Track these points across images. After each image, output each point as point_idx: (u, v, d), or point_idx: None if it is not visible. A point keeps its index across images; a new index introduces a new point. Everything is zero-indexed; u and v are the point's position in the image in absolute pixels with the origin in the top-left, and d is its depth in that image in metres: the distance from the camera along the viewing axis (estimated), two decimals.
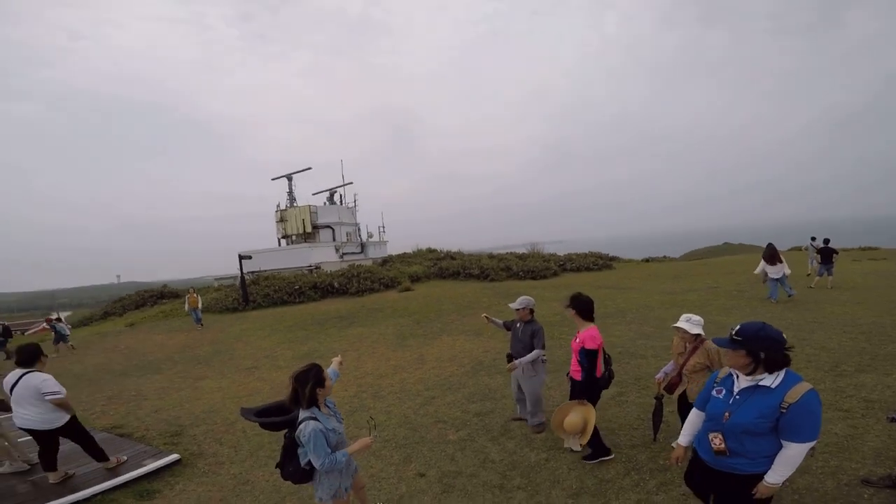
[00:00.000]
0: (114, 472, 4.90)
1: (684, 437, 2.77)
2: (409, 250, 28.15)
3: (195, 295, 15.34)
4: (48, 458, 4.82)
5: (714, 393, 2.54)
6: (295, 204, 26.04)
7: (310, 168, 26.99)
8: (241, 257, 18.47)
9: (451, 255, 24.73)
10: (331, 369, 3.45)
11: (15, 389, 4.59)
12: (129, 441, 5.95)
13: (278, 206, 26.18)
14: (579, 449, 4.30)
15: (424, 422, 5.72)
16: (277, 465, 3.00)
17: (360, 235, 28.21)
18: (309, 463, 2.82)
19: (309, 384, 2.79)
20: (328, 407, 2.98)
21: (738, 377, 2.44)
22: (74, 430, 4.87)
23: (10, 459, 5.12)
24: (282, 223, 25.60)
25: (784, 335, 2.34)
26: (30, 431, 4.73)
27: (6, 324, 16.13)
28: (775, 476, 2.29)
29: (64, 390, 4.74)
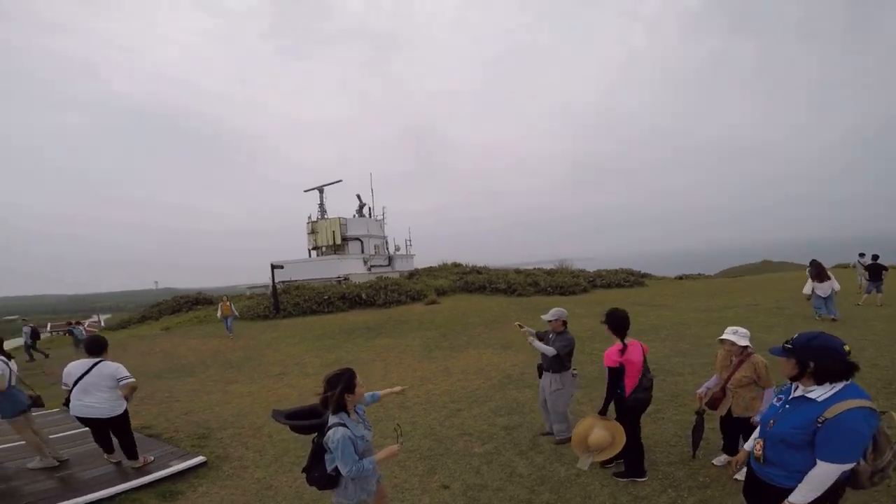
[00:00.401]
0: (140, 471, 4.95)
1: (749, 443, 2.66)
2: (434, 264, 28.22)
3: (228, 303, 15.73)
4: (106, 442, 5.06)
5: (774, 400, 2.46)
6: (325, 216, 26.55)
7: (340, 180, 27.56)
8: (273, 267, 18.86)
9: (476, 270, 24.63)
10: (374, 393, 3.34)
11: (86, 377, 4.73)
12: (157, 441, 6.04)
13: (310, 217, 26.77)
14: (586, 468, 4.00)
15: (450, 434, 5.60)
16: (304, 470, 2.94)
17: (387, 248, 28.43)
18: (336, 469, 2.75)
19: (339, 388, 2.73)
20: (357, 414, 2.91)
21: (796, 387, 2.32)
22: (124, 421, 4.99)
23: (41, 455, 5.21)
24: (313, 235, 26.08)
25: (845, 346, 2.17)
26: (89, 421, 4.86)
27: (34, 326, 16.99)
28: (798, 495, 2.12)
29: None
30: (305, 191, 27.72)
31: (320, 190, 27.05)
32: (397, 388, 3.55)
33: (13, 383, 5.13)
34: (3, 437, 6.03)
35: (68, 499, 4.32)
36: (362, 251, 25.90)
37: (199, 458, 5.27)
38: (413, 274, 24.88)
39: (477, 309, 15.67)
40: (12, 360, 5.25)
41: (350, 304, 18.18)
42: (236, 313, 16.03)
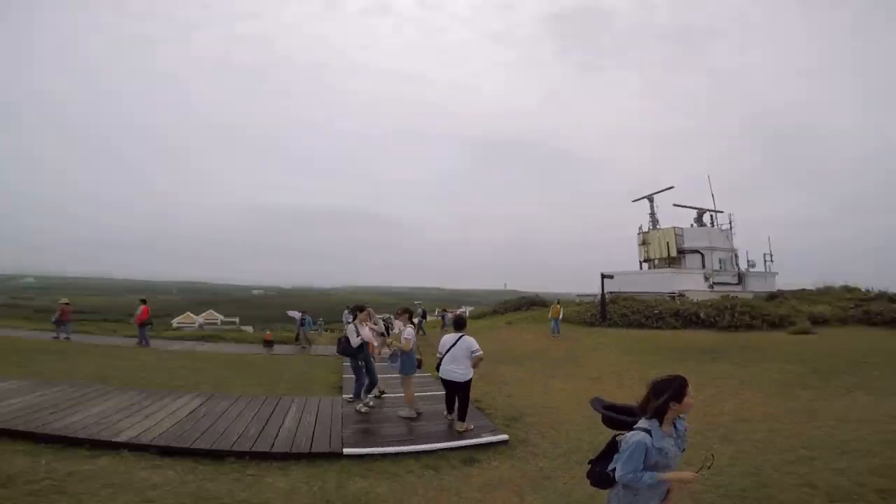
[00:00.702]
0: (461, 434, 5.80)
1: None
2: (809, 286, 22.00)
3: (559, 307, 17.03)
4: (451, 402, 6.19)
5: None
6: (658, 226, 24.61)
7: (672, 187, 24.99)
8: (603, 276, 19.09)
9: (889, 297, 17.58)
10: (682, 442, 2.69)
11: (454, 348, 6.01)
12: (480, 414, 6.91)
13: (640, 228, 25.44)
14: None
15: (783, 480, 4.25)
16: (590, 462, 2.87)
17: (736, 264, 23.63)
18: (613, 470, 2.58)
19: (665, 395, 2.51)
20: (674, 427, 2.61)
21: None
22: (468, 388, 6.04)
23: (409, 407, 6.67)
24: (644, 246, 24.63)
25: None
26: (449, 383, 6.05)
27: (424, 309, 22.55)
28: None
29: None
30: (633, 200, 26.64)
31: (650, 199, 25.32)
32: (690, 476, 2.65)
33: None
34: (392, 389, 8.05)
35: (408, 445, 5.43)
36: (703, 265, 22.58)
37: (503, 437, 5.80)
38: (774, 296, 20.12)
39: (883, 347, 11.67)
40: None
41: (684, 323, 16.61)
42: (561, 317, 17.07)
